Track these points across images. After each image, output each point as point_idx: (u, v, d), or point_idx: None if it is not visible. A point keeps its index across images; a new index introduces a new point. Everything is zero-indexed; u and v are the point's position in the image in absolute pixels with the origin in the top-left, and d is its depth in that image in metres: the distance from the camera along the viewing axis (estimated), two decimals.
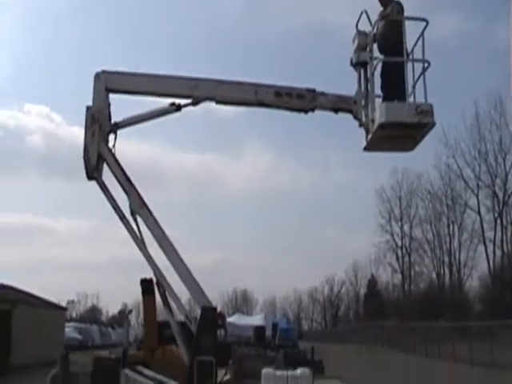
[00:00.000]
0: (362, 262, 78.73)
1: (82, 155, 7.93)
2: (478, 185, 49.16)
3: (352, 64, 8.29)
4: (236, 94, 8.18)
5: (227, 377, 8.33)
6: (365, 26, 8.21)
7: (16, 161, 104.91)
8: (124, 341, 18.74)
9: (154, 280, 8.12)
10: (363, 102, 8.15)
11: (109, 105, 8.20)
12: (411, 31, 7.89)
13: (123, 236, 8.02)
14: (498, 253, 47.79)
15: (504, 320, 28.99)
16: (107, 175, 8.03)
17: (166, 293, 7.98)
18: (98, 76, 8.11)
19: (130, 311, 43.06)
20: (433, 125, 7.72)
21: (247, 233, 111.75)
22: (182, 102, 8.21)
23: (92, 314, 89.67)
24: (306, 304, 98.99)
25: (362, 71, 8.22)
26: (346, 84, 8.60)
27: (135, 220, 7.88)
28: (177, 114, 8.32)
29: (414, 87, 7.86)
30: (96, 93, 8.09)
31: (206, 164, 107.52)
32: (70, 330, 41.31)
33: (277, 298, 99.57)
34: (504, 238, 47.08)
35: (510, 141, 46.95)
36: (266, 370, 12.07)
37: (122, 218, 7.86)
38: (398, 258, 62.04)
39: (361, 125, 8.22)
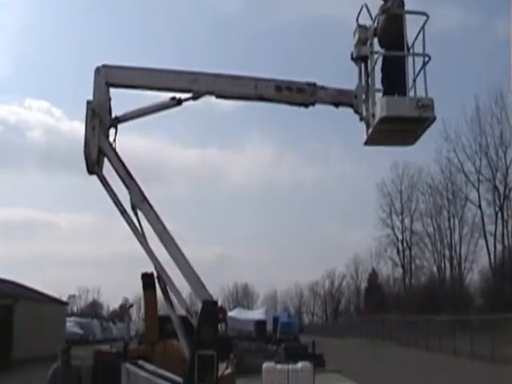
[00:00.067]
0: (363, 256, 79.08)
1: (82, 150, 7.89)
2: (478, 179, 49.33)
3: (352, 58, 8.26)
4: (236, 88, 8.14)
5: (228, 371, 8.31)
6: (365, 20, 8.20)
7: (17, 156, 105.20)
8: (125, 335, 18.74)
9: (155, 274, 8.10)
10: (364, 96, 8.13)
11: (109, 99, 8.16)
12: (412, 25, 7.89)
13: (124, 231, 8.02)
14: (499, 247, 48.01)
15: (504, 314, 29.04)
16: (108, 170, 8.03)
17: (167, 287, 7.97)
18: (98, 70, 8.07)
19: (131, 305, 43.13)
20: (433, 119, 7.71)
21: (248, 227, 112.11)
22: (183, 96, 8.19)
23: (93, 309, 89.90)
24: (306, 298, 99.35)
25: (363, 65, 8.19)
26: (347, 78, 8.60)
27: (136, 214, 7.84)
28: (177, 109, 8.28)
29: (414, 81, 7.84)
30: (96, 87, 8.06)
31: (207, 158, 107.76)
32: (71, 325, 41.47)
33: (278, 292, 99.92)
34: (505, 231, 47.26)
35: (511, 134, 47.03)
36: (266, 364, 12.12)
37: (123, 212, 7.83)
38: (398, 252, 62.23)
39: (361, 119, 8.20)
